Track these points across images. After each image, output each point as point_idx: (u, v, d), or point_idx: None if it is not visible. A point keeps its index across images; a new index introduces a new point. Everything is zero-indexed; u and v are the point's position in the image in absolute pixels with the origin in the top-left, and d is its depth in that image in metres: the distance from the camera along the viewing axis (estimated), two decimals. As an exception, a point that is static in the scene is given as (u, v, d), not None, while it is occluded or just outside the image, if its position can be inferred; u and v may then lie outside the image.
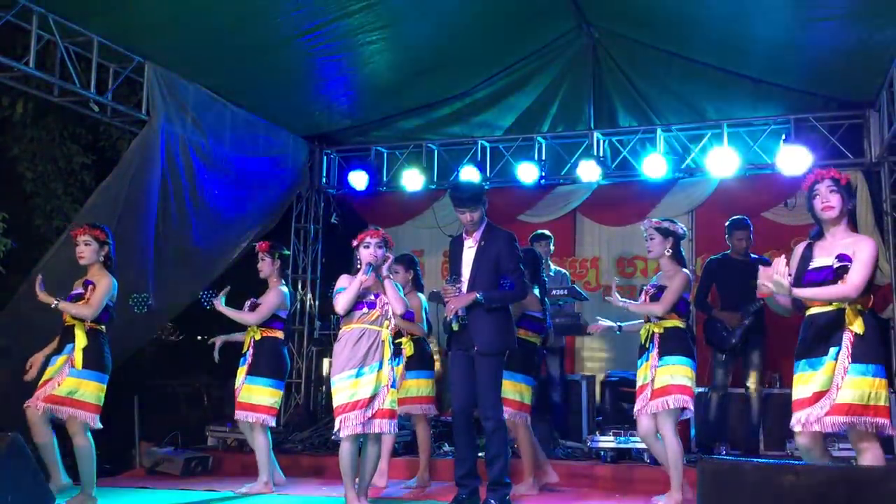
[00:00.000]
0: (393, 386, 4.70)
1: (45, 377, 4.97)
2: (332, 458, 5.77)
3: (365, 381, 4.59)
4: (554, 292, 6.46)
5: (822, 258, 3.84)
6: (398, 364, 5.36)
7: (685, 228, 5.09)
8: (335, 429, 4.66)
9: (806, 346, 3.81)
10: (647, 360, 4.86)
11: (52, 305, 4.91)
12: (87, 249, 5.02)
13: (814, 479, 3.03)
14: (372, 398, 4.59)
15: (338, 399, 4.61)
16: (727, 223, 6.60)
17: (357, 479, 4.72)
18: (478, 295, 4.70)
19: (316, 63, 6.97)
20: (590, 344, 8.21)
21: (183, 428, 6.69)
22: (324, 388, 8.17)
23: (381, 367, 4.64)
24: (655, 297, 4.87)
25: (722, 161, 7.33)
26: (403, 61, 7.29)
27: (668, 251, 4.92)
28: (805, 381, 3.78)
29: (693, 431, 6.71)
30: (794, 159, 7.10)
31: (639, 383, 4.92)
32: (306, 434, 7.13)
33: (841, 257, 3.77)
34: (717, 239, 6.95)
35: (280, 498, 5.40)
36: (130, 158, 6.42)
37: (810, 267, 3.86)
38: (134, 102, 6.54)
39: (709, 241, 7.68)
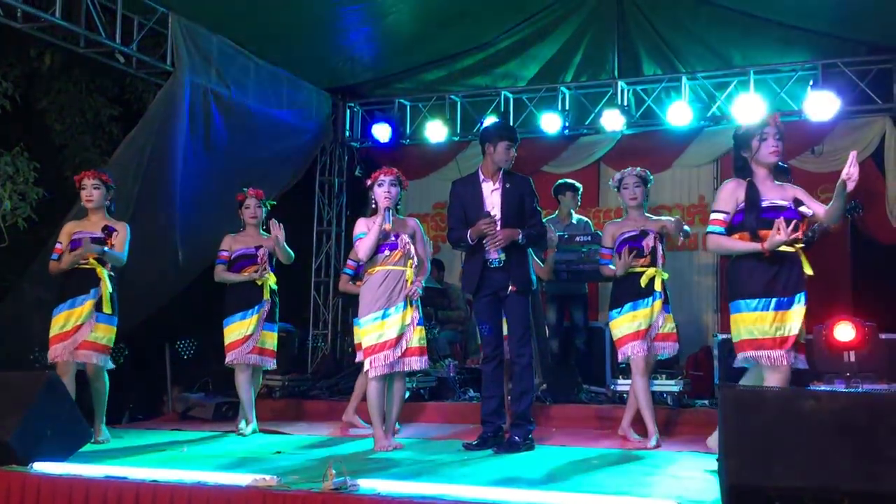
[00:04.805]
0: (420, 323, 4.78)
1: (71, 324, 5.05)
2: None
3: (391, 322, 4.69)
4: (578, 239, 6.48)
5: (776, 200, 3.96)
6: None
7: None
8: (364, 369, 4.76)
9: None
10: (650, 305, 4.95)
11: (106, 249, 5.07)
12: (96, 193, 5.21)
13: (835, 404, 3.06)
14: (399, 338, 4.69)
15: (366, 340, 4.71)
16: None
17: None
18: (520, 234, 4.73)
19: (338, 13, 6.95)
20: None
21: (213, 374, 6.81)
22: (349, 338, 8.28)
23: (406, 306, 4.72)
24: None
25: (748, 108, 7.24)
26: (425, 11, 7.25)
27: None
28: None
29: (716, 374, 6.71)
30: (821, 105, 7.01)
31: (639, 327, 4.93)
32: (333, 381, 7.28)
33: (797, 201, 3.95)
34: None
35: (309, 438, 5.50)
36: (156, 110, 6.47)
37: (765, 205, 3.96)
38: (159, 54, 6.57)
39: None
